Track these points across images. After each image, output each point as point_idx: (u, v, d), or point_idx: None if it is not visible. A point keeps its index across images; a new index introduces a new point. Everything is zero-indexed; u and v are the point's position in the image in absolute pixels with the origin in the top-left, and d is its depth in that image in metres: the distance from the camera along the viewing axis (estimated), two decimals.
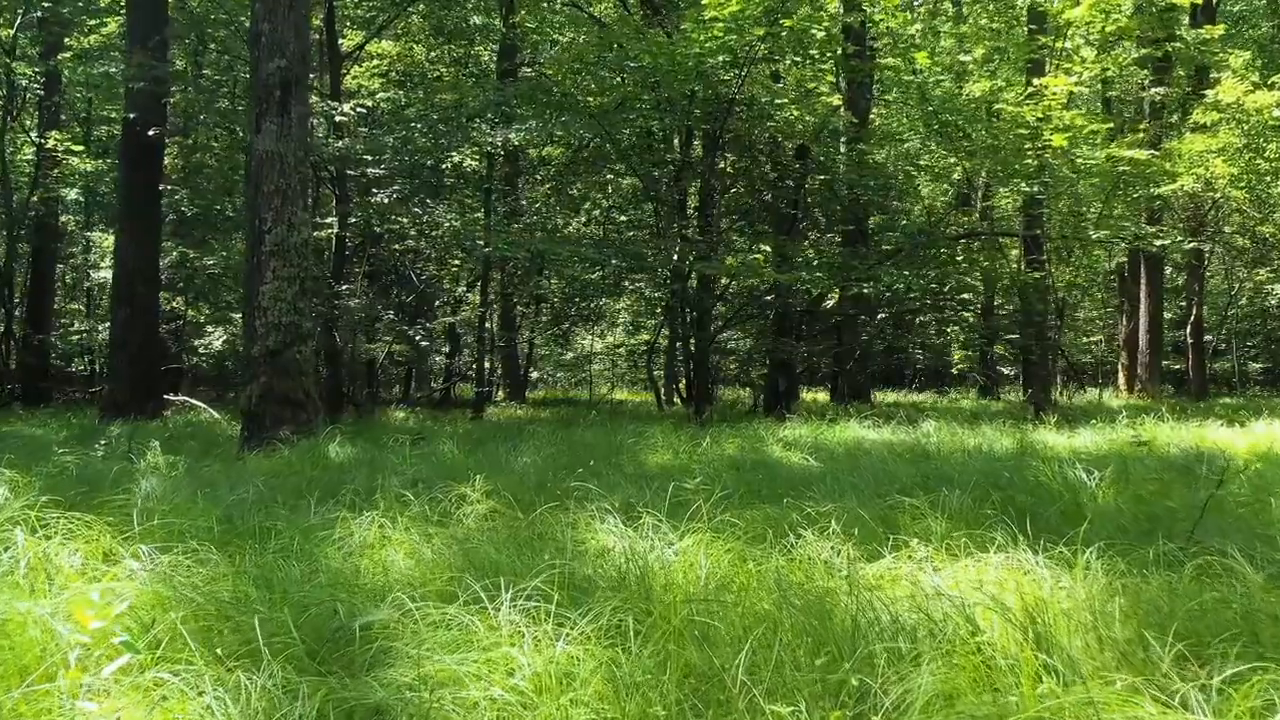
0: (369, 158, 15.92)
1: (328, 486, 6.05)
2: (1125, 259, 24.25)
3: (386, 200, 14.80)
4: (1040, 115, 12.15)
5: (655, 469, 7.39)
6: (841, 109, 15.25)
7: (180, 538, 4.09)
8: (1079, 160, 12.38)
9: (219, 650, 2.87)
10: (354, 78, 19.07)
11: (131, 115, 14.91)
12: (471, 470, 6.81)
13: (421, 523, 4.87)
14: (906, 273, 15.69)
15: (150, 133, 14.50)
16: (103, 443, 7.59)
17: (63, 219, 24.23)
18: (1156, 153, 11.91)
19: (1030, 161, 12.53)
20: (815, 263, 14.91)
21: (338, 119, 14.58)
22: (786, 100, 15.62)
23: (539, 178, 21.72)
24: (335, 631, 3.00)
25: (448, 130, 16.02)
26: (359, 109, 14.75)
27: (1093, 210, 14.15)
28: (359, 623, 2.98)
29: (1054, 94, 11.94)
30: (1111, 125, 13.68)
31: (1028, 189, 12.27)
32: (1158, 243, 13.27)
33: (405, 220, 17.04)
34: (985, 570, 3.84)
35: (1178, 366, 27.92)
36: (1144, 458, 8.16)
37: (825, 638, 2.90)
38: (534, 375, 30.81)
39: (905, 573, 3.85)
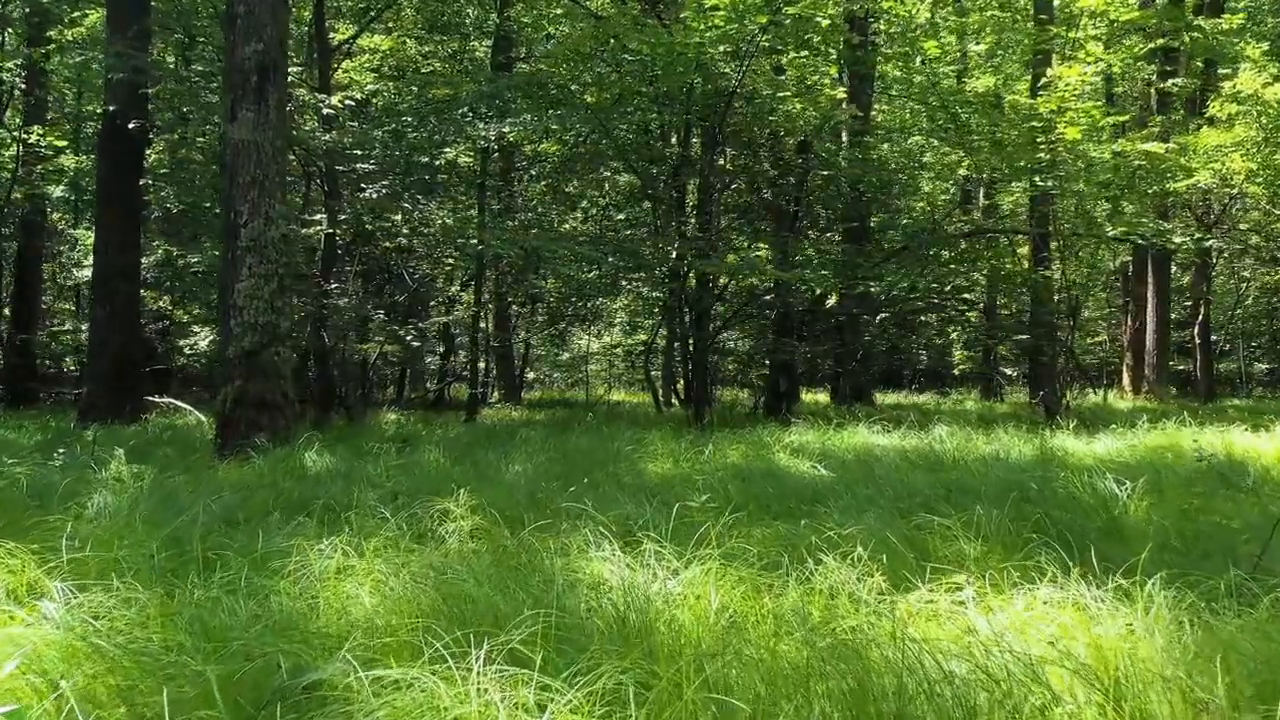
0: (359, 152, 15.42)
1: (298, 501, 5.56)
2: (1129, 258, 23.79)
3: (376, 196, 14.28)
4: (1054, 107, 11.67)
5: (655, 479, 6.91)
6: (845, 103, 14.75)
7: (116, 568, 3.59)
8: (1093, 154, 11.90)
9: (141, 716, 2.38)
10: (345, 72, 18.57)
11: (111, 108, 14.41)
12: (457, 482, 6.32)
13: (395, 546, 4.37)
14: (910, 271, 15.23)
15: (130, 125, 14.00)
16: (61, 451, 7.09)
17: (53, 216, 23.72)
18: (1174, 146, 11.43)
19: (1043, 155, 12.05)
20: (818, 260, 14.43)
21: (325, 111, 14.06)
22: (789, 93, 15.13)
23: (534, 174, 21.23)
24: (276, 692, 2.51)
25: (440, 124, 15.51)
26: (348, 101, 14.23)
27: (1103, 206, 13.70)
28: (304, 681, 2.49)
29: (1068, 85, 11.46)
30: (1128, 118, 13.23)
31: (1041, 183, 11.79)
32: (1177, 239, 12.81)
33: (398, 218, 16.54)
34: (1035, 605, 3.36)
35: (1181, 367, 27.44)
36: (1175, 467, 7.68)
37: (863, 702, 2.41)
38: (530, 376, 30.35)
39: (944, 607, 3.36)
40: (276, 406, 8.16)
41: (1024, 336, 14.91)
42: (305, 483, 6.09)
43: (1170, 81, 14.97)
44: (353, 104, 14.28)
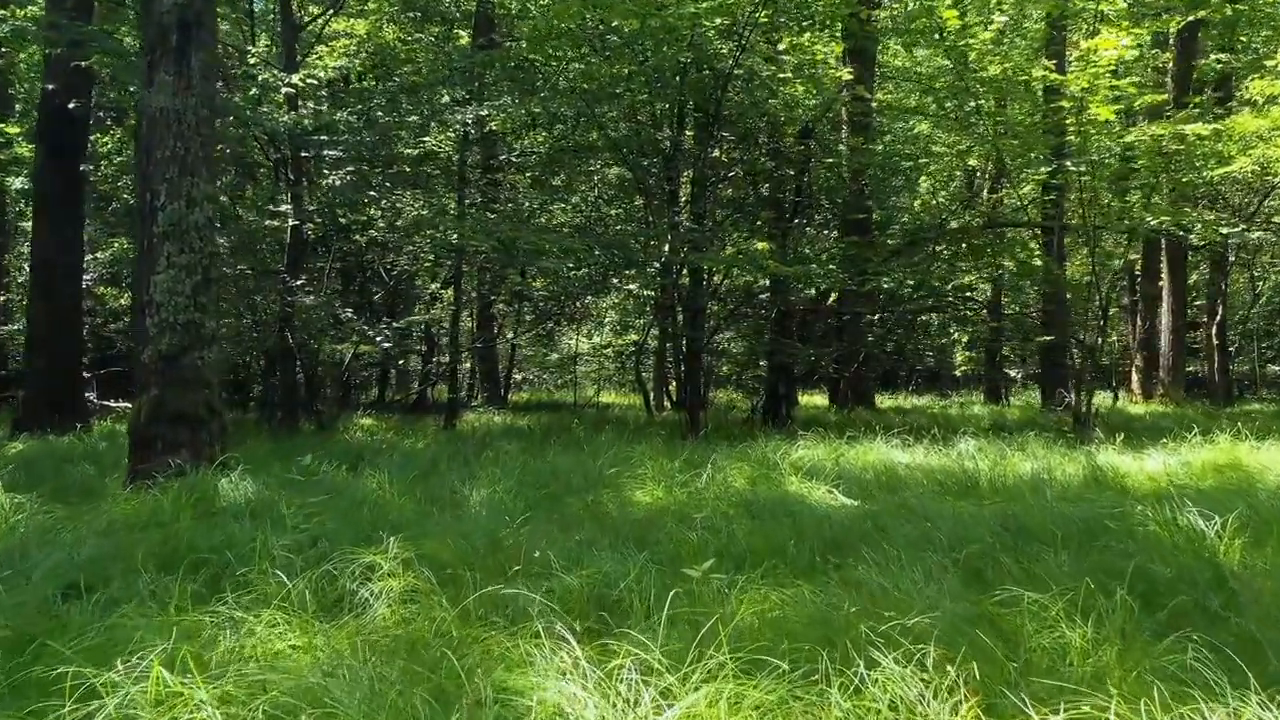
0: (324, 137, 14.19)
1: (187, 550, 4.37)
2: (1137, 256, 22.65)
3: (339, 183, 13.06)
4: (1085, 84, 10.53)
5: (644, 512, 5.73)
6: (850, 82, 13.58)
7: None
8: (1129, 137, 10.77)
9: None
10: (319, 57, 17.31)
11: (50, 86, 13.17)
12: (396, 521, 5.13)
13: (289, 623, 3.18)
14: (919, 267, 14.11)
15: (71, 105, 12.76)
16: None
17: (15, 210, 22.38)
18: (1207, 130, 10.32)
19: (1073, 138, 10.92)
20: (824, 255, 13.27)
21: (283, 90, 12.84)
22: (789, 74, 13.98)
23: (518, 166, 20.03)
24: None
25: (412, 107, 14.28)
26: (310, 80, 12.99)
27: (1137, 196, 12.56)
28: None
29: (1103, 58, 10.31)
30: (1166, 97, 12.11)
31: (1074, 168, 10.66)
32: (1224, 231, 11.68)
33: (373, 211, 15.31)
34: None
35: (1191, 369, 26.34)
36: (1253, 491, 6.53)
37: None
38: (518, 377, 29.16)
39: None
40: (200, 421, 6.95)
41: (1047, 337, 13.78)
42: (208, 522, 4.90)
43: (1213, 58, 13.83)
44: (315, 82, 13.04)
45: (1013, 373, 29.60)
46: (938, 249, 14.83)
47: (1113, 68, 10.44)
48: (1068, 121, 10.99)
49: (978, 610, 3.42)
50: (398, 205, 15.30)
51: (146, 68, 7.03)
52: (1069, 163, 10.62)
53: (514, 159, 20.27)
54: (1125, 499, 6.18)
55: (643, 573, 3.82)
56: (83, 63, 11.59)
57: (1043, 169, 11.28)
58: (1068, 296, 12.45)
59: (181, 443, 6.86)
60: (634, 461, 7.46)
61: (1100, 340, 12.84)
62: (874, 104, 17.31)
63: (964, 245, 13.45)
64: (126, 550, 4.35)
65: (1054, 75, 10.49)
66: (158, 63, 6.96)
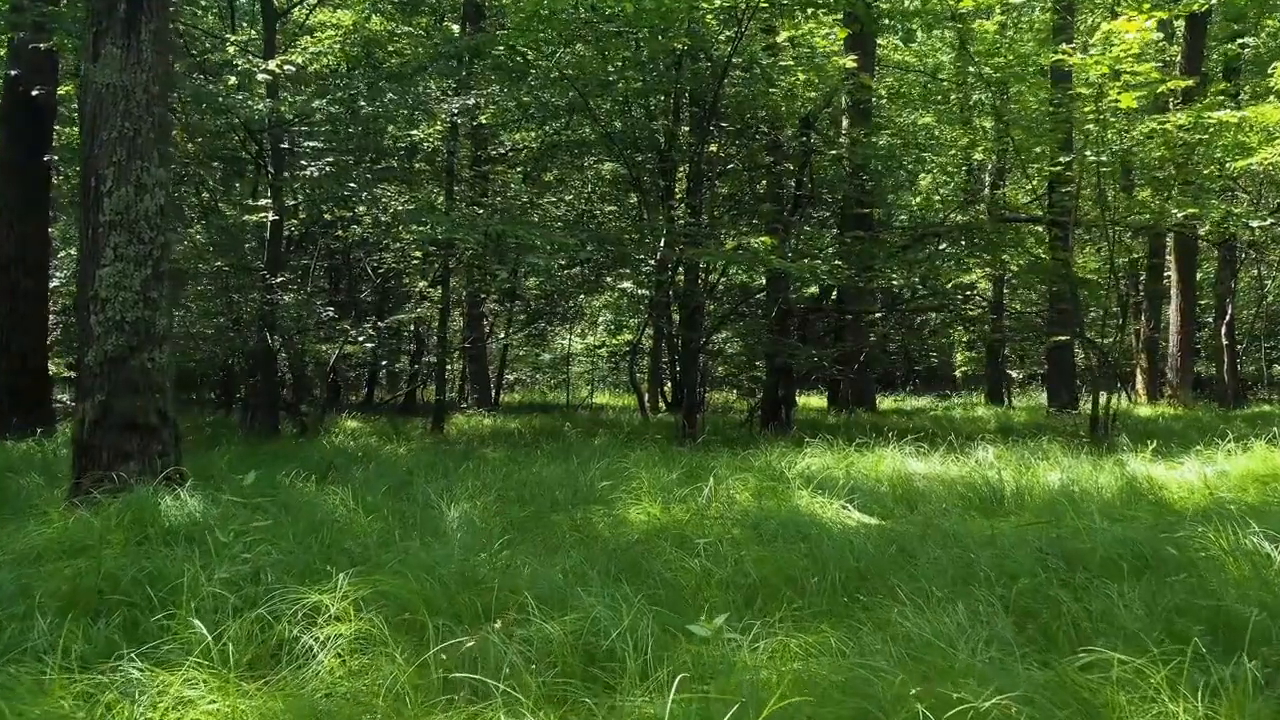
0: (305, 128, 13.56)
1: (107, 584, 3.74)
2: (1141, 255, 22.07)
3: (316, 174, 12.41)
4: (1106, 70, 9.94)
5: (639, 533, 5.11)
6: (853, 70, 12.96)
7: None
8: (1151, 125, 10.18)
9: None
10: (304, 49, 16.61)
11: (14, 72, 12.50)
12: (362, 543, 4.51)
13: (208, 683, 2.56)
14: (928, 264, 13.52)
15: (35, 93, 12.11)
16: None
17: None
18: (1248, 115, 9.74)
19: (1091, 127, 10.33)
20: (827, 250, 12.66)
21: (259, 75, 12.19)
22: (791, 62, 13.37)
23: (507, 157, 19.40)
24: None
25: (397, 96, 13.62)
26: (287, 67, 12.32)
27: (1138, 190, 12.01)
28: None
29: (1125, 42, 9.72)
30: (1191, 82, 11.50)
31: (1094, 158, 10.07)
32: (1253, 224, 11.11)
33: (360, 209, 14.66)
34: None
35: (1197, 369, 25.78)
36: None
37: None
38: (511, 377, 28.53)
39: None
40: (151, 430, 6.31)
41: (1062, 336, 13.19)
42: (140, 549, 4.27)
43: (1238, 42, 13.25)
44: (293, 69, 12.38)
45: (1014, 373, 29.03)
46: (941, 246, 14.24)
47: (1136, 51, 9.84)
48: (1086, 109, 10.39)
49: (1054, 676, 2.80)
50: (382, 200, 14.66)
51: (91, 39, 6.38)
52: (1089, 152, 10.02)
53: (505, 153, 19.65)
54: (1172, 517, 5.59)
55: (638, 618, 3.19)
56: (42, 45, 10.93)
57: (1061, 158, 10.67)
58: (1084, 295, 11.85)
59: (130, 453, 6.22)
60: (627, 473, 6.83)
61: (1120, 340, 12.22)
62: (878, 96, 16.75)
63: (976, 240, 12.83)
64: (35, 585, 3.71)
65: (1073, 58, 9.88)
66: (104, 33, 6.31)
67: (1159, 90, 10.43)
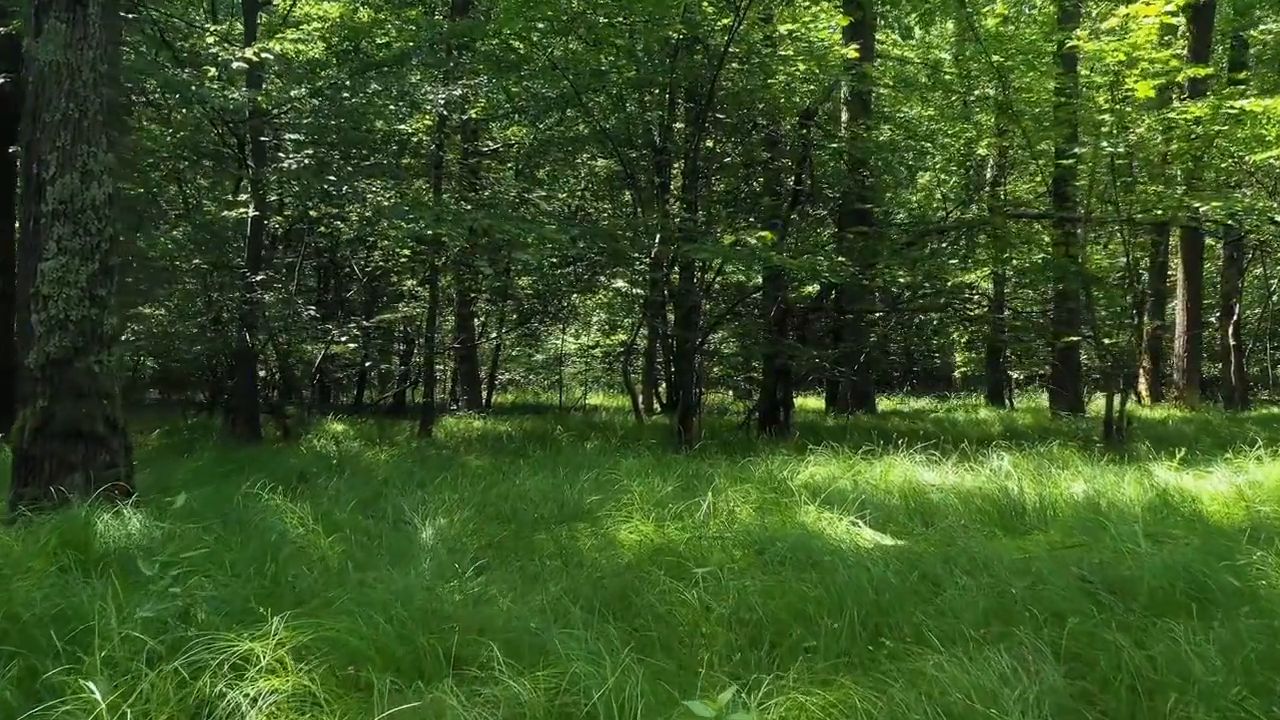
0: (286, 120, 13.03)
1: (6, 628, 3.21)
2: (1144, 253, 21.58)
3: (294, 166, 11.87)
4: (1123, 57, 9.44)
5: (630, 555, 4.59)
6: (855, 60, 12.45)
7: None
8: (1171, 115, 9.69)
9: None
10: (291, 42, 16.04)
11: None
12: (318, 571, 3.99)
13: None
14: (933, 261, 13.01)
15: (1, 82, 11.59)
16: None
17: None
18: (1275, 103, 9.24)
19: (1107, 117, 9.84)
20: (828, 248, 12.15)
21: (235, 64, 11.64)
22: (791, 52, 12.86)
23: (499, 153, 18.88)
24: None
25: (382, 88, 13.09)
26: (264, 54, 11.77)
27: (1143, 185, 11.50)
28: None
29: (1144, 26, 9.23)
30: (1211, 71, 11.02)
31: (1110, 149, 9.56)
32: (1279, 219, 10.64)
33: (348, 207, 14.12)
34: None
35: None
36: None
37: None
38: (504, 378, 28.00)
39: None
40: (98, 438, 5.78)
41: (1073, 337, 12.67)
42: (58, 581, 3.74)
43: (1261, 29, 12.77)
44: (271, 57, 11.84)
45: (1014, 374, 28.51)
46: (942, 244, 13.75)
47: (1154, 37, 9.35)
48: (1100, 99, 9.90)
49: None
50: (366, 195, 14.12)
51: (34, 13, 5.85)
52: (1105, 143, 9.51)
53: (496, 149, 19.12)
54: (1221, 538, 5.08)
55: (626, 675, 2.68)
56: (3, 29, 10.39)
57: (1077, 149, 10.16)
58: (1097, 294, 11.35)
59: (74, 464, 5.69)
60: (619, 486, 6.30)
61: (1137, 340, 11.72)
62: (878, 89, 16.25)
63: (990, 235, 12.30)
64: None
65: (1089, 45, 9.38)
66: (47, 6, 5.78)
67: (1177, 79, 9.94)
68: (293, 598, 3.51)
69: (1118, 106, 9.82)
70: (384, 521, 5.37)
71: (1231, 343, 20.89)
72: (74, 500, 5.29)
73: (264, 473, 7.53)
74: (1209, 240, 19.57)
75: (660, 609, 3.64)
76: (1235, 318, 20.87)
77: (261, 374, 16.41)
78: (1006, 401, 22.95)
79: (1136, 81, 9.51)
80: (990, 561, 4.30)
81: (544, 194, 16.86)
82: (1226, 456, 7.98)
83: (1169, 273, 21.92)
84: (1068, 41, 9.74)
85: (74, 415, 5.71)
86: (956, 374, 33.03)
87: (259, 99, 11.54)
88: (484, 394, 21.90)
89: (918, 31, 27.76)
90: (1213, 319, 25.09)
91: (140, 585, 3.62)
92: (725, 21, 12.41)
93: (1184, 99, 13.35)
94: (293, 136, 13.30)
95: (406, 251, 18.47)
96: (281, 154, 12.07)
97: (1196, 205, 9.61)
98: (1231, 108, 9.42)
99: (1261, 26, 13.08)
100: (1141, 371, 22.58)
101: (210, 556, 3.97)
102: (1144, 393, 21.87)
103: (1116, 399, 10.80)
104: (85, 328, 5.75)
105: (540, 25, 12.99)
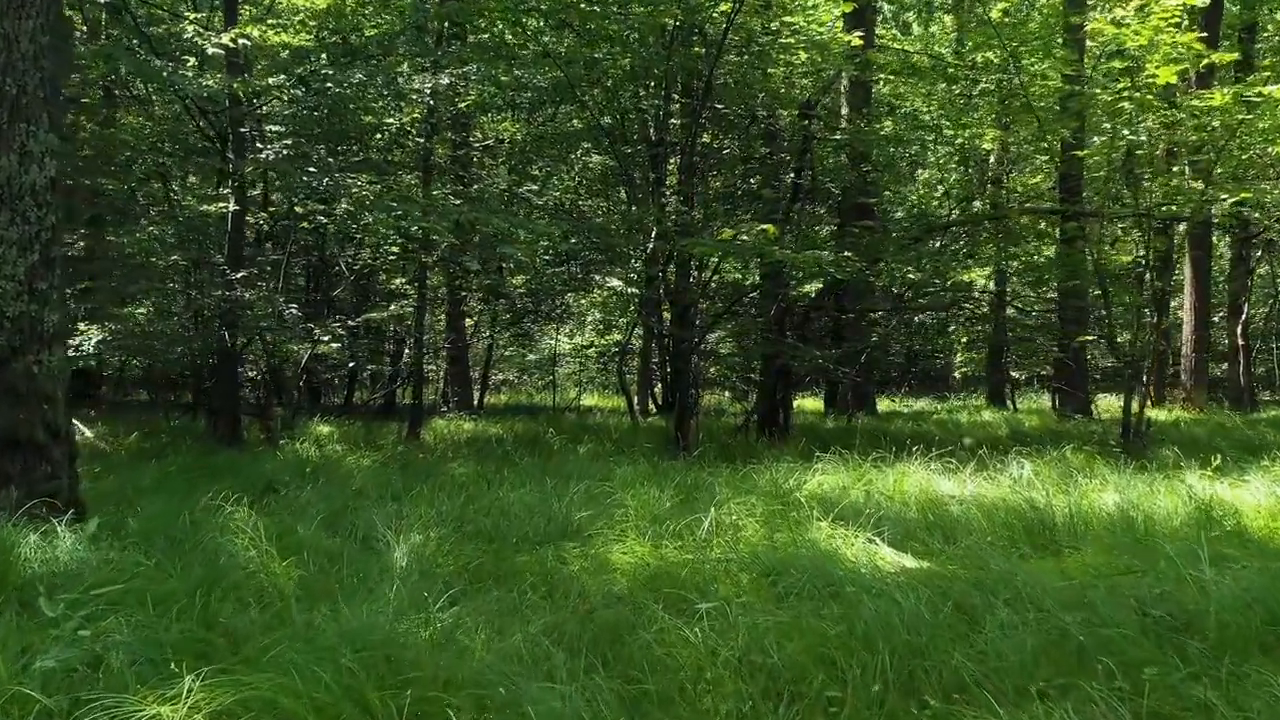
0: (266, 109, 12.50)
1: None
2: (1143, 252, 21.08)
3: (273, 157, 11.34)
4: (1144, 41, 8.96)
5: (623, 582, 4.08)
6: (862, 50, 11.97)
7: None
8: (1194, 103, 9.20)
9: None
10: (273, 28, 15.50)
11: None
12: (261, 607, 3.47)
13: None
14: (940, 258, 12.54)
15: None
16: None
17: None
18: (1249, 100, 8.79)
19: (1125, 105, 9.36)
20: (830, 244, 11.64)
21: (210, 50, 11.10)
22: (792, 40, 12.37)
23: (491, 148, 18.35)
24: None
25: (366, 77, 12.54)
26: (242, 40, 11.22)
27: (1148, 179, 11.03)
28: None
29: (1164, 7, 8.75)
30: (1235, 58, 10.54)
31: (1131, 137, 9.09)
32: None
33: (337, 205, 13.58)
34: None
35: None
36: None
37: None
38: (498, 378, 27.49)
39: None
40: (37, 447, 5.25)
41: (1087, 337, 12.20)
42: None
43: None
44: (248, 43, 11.30)
45: (1016, 375, 28.05)
46: (947, 241, 13.27)
47: (1177, 19, 8.86)
48: (1120, 86, 9.40)
49: None
50: (352, 190, 13.59)
51: None
52: (1126, 132, 9.02)
53: (488, 144, 18.61)
54: (1272, 557, 4.58)
55: None
56: None
57: (1095, 138, 9.67)
58: (1113, 291, 10.86)
59: (10, 476, 5.16)
60: (612, 499, 5.78)
61: (1155, 339, 11.25)
62: (878, 82, 15.77)
63: (999, 230, 11.81)
64: None
65: (1109, 29, 8.88)
66: None
67: (1200, 66, 9.46)
68: (221, 642, 2.99)
69: (1138, 94, 9.31)
70: (351, 540, 4.85)
71: (1240, 343, 20.44)
72: (1, 519, 4.75)
73: (234, 480, 7.01)
74: (1214, 238, 19.07)
75: (657, 651, 3.12)
76: (1243, 317, 20.42)
77: (252, 374, 15.88)
78: (1009, 402, 22.48)
79: (1158, 67, 9.01)
80: (1032, 589, 3.79)
81: (535, 189, 16.32)
82: (1263, 464, 7.47)
83: (1176, 271, 21.46)
84: (1083, 26, 9.24)
85: (10, 421, 5.18)
86: (957, 374, 32.58)
87: (235, 86, 10.99)
88: (477, 395, 21.39)
89: (916, 28, 27.34)
90: (1216, 318, 24.66)
91: (52, 623, 3.10)
92: (724, 8, 11.91)
93: (1190, 91, 12.89)
94: (273, 128, 12.78)
95: (395, 249, 17.94)
96: (260, 145, 11.52)
97: (1224, 197, 9.13)
98: (1260, 94, 8.92)
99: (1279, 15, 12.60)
100: (1147, 372, 22.12)
101: (137, 589, 3.45)
102: (1150, 393, 21.41)
103: (1135, 400, 10.31)
104: (23, 324, 5.21)
105: (534, 17, 12.53)
